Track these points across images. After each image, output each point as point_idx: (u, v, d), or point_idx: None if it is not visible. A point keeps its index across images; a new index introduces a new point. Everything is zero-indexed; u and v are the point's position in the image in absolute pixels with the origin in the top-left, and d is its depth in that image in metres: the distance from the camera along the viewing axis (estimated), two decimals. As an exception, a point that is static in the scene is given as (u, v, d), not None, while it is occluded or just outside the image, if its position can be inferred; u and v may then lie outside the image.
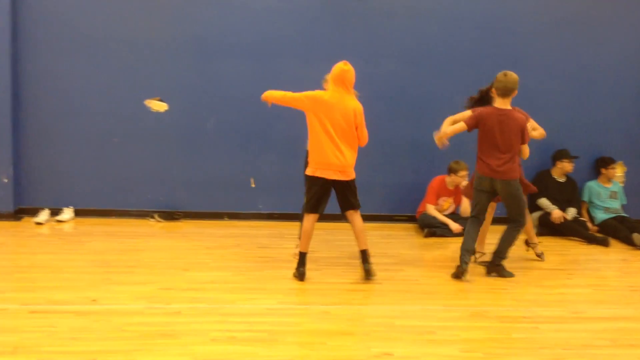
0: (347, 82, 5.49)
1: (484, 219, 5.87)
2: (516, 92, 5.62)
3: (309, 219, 5.58)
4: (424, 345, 4.17)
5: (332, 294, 5.14)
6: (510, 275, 5.70)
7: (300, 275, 5.44)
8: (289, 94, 5.62)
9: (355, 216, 5.65)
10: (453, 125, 5.84)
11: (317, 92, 5.59)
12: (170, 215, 7.71)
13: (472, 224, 5.74)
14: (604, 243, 7.13)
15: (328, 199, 5.65)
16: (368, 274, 5.51)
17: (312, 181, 5.56)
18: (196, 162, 7.84)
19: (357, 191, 5.71)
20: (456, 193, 7.61)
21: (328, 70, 7.84)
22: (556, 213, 7.41)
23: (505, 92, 5.55)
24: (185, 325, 4.38)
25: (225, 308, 4.74)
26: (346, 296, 5.12)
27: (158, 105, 7.67)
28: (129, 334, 4.20)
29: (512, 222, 5.73)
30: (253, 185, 7.93)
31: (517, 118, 5.58)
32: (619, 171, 8.09)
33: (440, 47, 7.87)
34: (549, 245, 7.05)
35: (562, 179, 7.80)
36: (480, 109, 5.70)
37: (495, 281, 5.63)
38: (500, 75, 5.58)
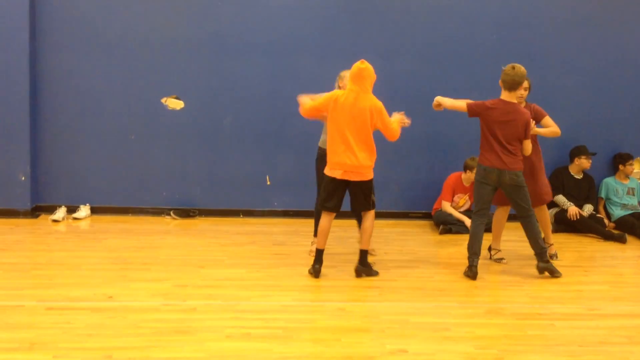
0: (363, 80, 5.40)
1: (488, 215, 5.83)
2: (523, 85, 5.59)
3: (324, 216, 5.58)
4: (439, 342, 4.17)
5: (346, 291, 5.15)
6: (558, 274, 5.61)
7: (315, 272, 5.45)
8: (314, 105, 5.58)
9: (366, 216, 5.63)
10: (456, 101, 5.78)
11: (332, 93, 5.57)
12: (185, 213, 7.75)
13: (478, 224, 5.66)
14: (620, 240, 7.07)
15: (343, 197, 5.63)
16: (356, 274, 5.53)
17: (327, 179, 5.55)
18: (212, 160, 7.88)
19: (373, 191, 5.67)
20: (472, 190, 7.57)
21: (344, 68, 7.88)
22: (572, 210, 7.36)
23: (512, 86, 5.50)
24: (201, 322, 4.41)
25: (241, 305, 4.76)
26: (361, 293, 5.13)
27: (174, 103, 7.72)
28: (144, 330, 4.23)
29: (523, 218, 5.67)
30: (269, 183, 7.95)
31: (522, 112, 5.55)
32: (636, 167, 8.02)
33: (456, 44, 7.84)
34: (565, 242, 7.01)
35: (579, 176, 7.74)
36: (486, 101, 5.65)
37: (511, 278, 5.60)
38: (508, 67, 5.53)
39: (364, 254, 5.58)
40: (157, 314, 4.55)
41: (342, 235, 7.08)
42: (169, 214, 7.73)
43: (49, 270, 5.57)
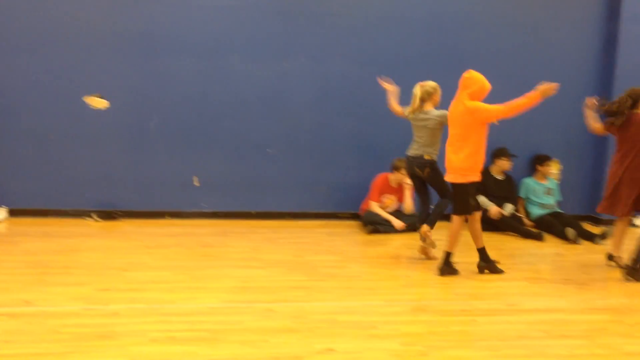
0: (462, 87, 5.65)
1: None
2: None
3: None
4: (366, 340, 4.21)
5: (275, 292, 5.13)
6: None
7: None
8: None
9: (453, 219, 5.78)
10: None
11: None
12: (109, 215, 7.55)
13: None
14: (538, 238, 7.36)
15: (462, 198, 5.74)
16: (479, 270, 5.83)
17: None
18: (137, 160, 7.71)
19: (461, 197, 5.72)
20: (399, 190, 7.70)
21: (276, 69, 7.92)
22: (494, 209, 7.60)
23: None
24: (124, 326, 4.29)
25: (165, 308, 4.67)
26: (289, 293, 5.12)
27: (98, 102, 7.51)
28: (64, 335, 4.08)
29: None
30: (197, 184, 7.84)
31: None
32: (554, 168, 8.35)
33: (387, 48, 7.97)
34: (487, 240, 7.11)
35: (500, 177, 8.00)
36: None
37: (436, 276, 5.72)
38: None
39: (481, 251, 5.84)
40: (77, 318, 4.40)
41: (270, 237, 7.07)
42: (91, 216, 7.52)
43: (-39, 276, 5.30)
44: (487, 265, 5.81)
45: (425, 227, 6.12)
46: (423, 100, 6.15)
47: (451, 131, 5.70)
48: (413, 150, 6.23)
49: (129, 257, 6.03)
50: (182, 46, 7.63)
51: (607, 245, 6.51)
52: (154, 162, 7.74)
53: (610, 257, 6.17)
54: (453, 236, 5.73)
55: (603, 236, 7.21)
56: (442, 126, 6.09)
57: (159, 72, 7.64)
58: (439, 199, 6.33)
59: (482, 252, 5.82)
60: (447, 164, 5.71)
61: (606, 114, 6.04)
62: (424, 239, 6.11)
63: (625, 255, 5.97)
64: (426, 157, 6.11)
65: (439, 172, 6.09)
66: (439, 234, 6.20)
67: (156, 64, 7.62)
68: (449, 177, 5.74)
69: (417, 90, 6.15)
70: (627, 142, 5.92)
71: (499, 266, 5.86)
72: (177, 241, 6.69)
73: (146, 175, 7.74)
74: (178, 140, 7.76)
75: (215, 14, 7.66)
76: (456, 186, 5.69)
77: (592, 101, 6.15)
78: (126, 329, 4.23)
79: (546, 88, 5.67)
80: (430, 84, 6.19)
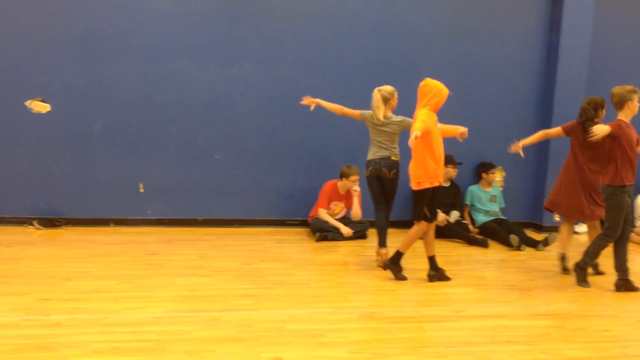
0: (420, 96, 5.67)
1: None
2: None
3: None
4: (314, 348, 4.20)
5: (222, 301, 5.07)
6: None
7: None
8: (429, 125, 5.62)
9: (413, 226, 5.85)
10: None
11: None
12: (50, 222, 7.35)
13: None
14: (483, 244, 7.50)
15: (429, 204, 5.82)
16: (429, 279, 5.88)
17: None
18: (80, 166, 7.53)
19: (416, 203, 5.78)
20: (347, 197, 7.74)
21: (221, 73, 7.84)
22: (440, 216, 7.71)
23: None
24: (66, 337, 4.17)
25: (109, 318, 4.55)
26: (236, 302, 5.07)
27: (40, 106, 7.31)
28: (3, 347, 3.93)
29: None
30: (142, 190, 7.70)
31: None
32: (498, 176, 8.54)
33: (333, 53, 8.01)
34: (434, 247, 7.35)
35: (446, 184, 8.12)
36: (621, 121, 5.75)
37: (383, 283, 5.76)
38: (616, 88, 5.79)
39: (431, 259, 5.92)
40: (17, 329, 4.25)
41: (217, 244, 7.00)
42: (32, 224, 7.30)
43: None
44: (436, 274, 5.89)
45: (384, 250, 6.28)
46: (389, 104, 6.21)
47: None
48: (380, 152, 6.24)
49: (72, 265, 5.87)
50: (127, 49, 7.50)
51: (553, 249, 6.66)
52: (97, 168, 7.57)
53: (563, 257, 6.40)
54: (409, 239, 5.85)
55: (545, 242, 7.42)
56: (401, 131, 6.16)
57: (103, 75, 7.48)
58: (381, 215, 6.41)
59: (432, 260, 5.90)
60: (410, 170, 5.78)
61: (584, 129, 6.17)
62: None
63: (572, 261, 6.19)
64: (393, 158, 6.19)
65: (399, 176, 6.23)
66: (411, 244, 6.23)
67: (100, 67, 7.46)
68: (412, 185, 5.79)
69: (376, 94, 6.18)
70: (589, 149, 6.13)
71: (447, 273, 5.95)
72: (121, 249, 6.55)
73: (89, 181, 7.56)
74: (123, 145, 7.62)
75: (161, 17, 7.56)
76: (412, 192, 5.78)
77: (516, 148, 6.36)
78: (68, 340, 4.11)
79: (463, 131, 5.97)
80: (387, 88, 6.22)
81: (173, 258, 6.31)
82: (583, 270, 5.93)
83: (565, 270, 6.36)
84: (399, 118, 6.19)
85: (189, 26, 7.65)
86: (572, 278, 6.10)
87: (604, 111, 6.19)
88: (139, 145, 7.66)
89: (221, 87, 7.79)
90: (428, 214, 5.78)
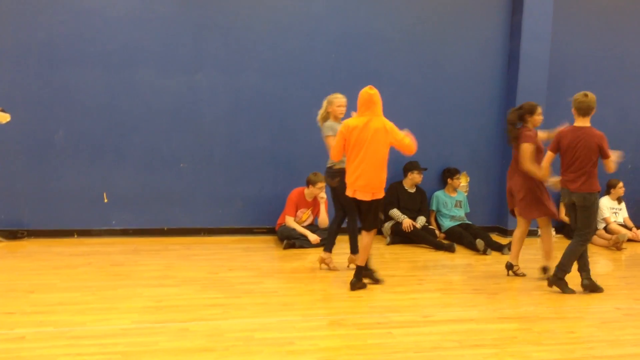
0: (374, 105, 5.59)
1: None
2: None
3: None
4: (284, 356, 4.18)
5: (190, 311, 5.02)
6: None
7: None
8: (338, 147, 5.71)
9: (364, 234, 5.80)
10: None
11: (343, 125, 5.67)
12: (12, 234, 7.20)
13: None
14: (450, 249, 7.57)
15: (361, 215, 5.85)
16: (352, 286, 5.79)
17: (349, 199, 5.82)
18: (42, 176, 7.39)
19: (373, 212, 5.75)
20: (314, 205, 7.75)
21: (185, 81, 7.78)
22: (406, 222, 7.77)
23: (587, 112, 5.86)
24: (30, 351, 4.08)
25: (75, 331, 4.47)
26: (204, 312, 5.03)
27: (0, 116, 7.14)
28: (-36, 364, 3.84)
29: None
30: (106, 200, 7.59)
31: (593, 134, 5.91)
32: (463, 181, 8.65)
33: (298, 61, 8.02)
34: (401, 252, 7.42)
35: (412, 190, 8.19)
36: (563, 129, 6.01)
37: (352, 290, 5.77)
38: (580, 95, 5.84)
39: (358, 269, 5.82)
40: (-21, 345, 4.15)
41: (185, 254, 6.94)
42: (-7, 236, 7.14)
43: None
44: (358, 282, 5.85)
45: (325, 254, 6.40)
46: (327, 112, 6.24)
47: (367, 147, 5.54)
48: (328, 163, 6.26)
49: (36, 278, 5.76)
50: (89, 57, 7.40)
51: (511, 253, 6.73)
52: (60, 178, 7.44)
53: (545, 270, 6.45)
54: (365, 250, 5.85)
55: (510, 247, 7.49)
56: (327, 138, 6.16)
57: (65, 84, 7.37)
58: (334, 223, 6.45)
59: (359, 269, 5.86)
60: (362, 181, 5.61)
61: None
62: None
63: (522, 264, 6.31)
64: (335, 167, 6.16)
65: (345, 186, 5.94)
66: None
67: (62, 75, 7.35)
68: (359, 195, 5.66)
69: (324, 102, 6.29)
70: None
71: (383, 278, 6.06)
72: (86, 260, 6.45)
73: (52, 191, 7.42)
74: (86, 154, 7.50)
75: (123, 25, 7.48)
76: (369, 203, 5.70)
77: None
78: (33, 354, 4.03)
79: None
80: (328, 97, 6.26)
81: (139, 268, 6.23)
82: (562, 281, 5.99)
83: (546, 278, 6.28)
84: (327, 124, 6.19)
85: (153, 33, 7.59)
86: (538, 282, 6.22)
87: (534, 117, 6.28)
88: (102, 154, 7.55)
89: (186, 95, 7.73)
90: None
